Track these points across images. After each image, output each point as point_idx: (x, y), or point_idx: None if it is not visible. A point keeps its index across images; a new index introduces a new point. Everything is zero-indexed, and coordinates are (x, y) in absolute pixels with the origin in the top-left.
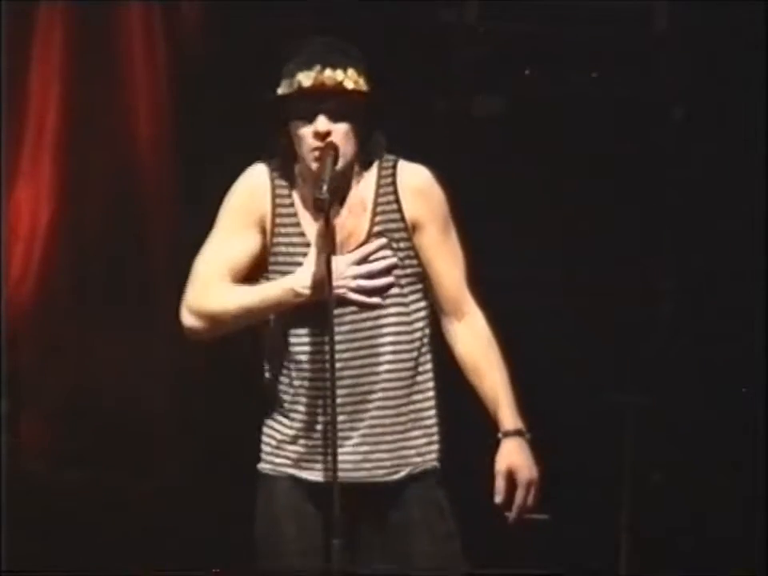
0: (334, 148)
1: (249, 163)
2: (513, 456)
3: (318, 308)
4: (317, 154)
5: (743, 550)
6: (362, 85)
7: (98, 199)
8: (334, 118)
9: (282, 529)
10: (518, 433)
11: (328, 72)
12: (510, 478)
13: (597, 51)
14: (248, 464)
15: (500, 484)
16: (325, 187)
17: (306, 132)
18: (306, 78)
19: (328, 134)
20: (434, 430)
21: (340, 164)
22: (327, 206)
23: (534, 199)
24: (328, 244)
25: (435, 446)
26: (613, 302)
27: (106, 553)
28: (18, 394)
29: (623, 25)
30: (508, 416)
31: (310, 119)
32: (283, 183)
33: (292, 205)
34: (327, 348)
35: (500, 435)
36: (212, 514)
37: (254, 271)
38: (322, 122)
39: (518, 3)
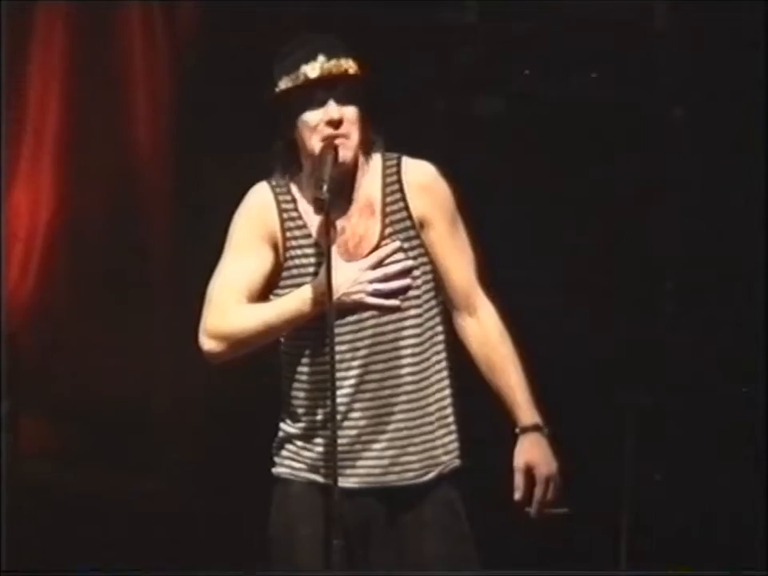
0: (333, 147)
1: (249, 164)
2: (531, 452)
3: (330, 316)
4: (333, 142)
5: (744, 549)
6: (357, 68)
7: (98, 200)
8: (342, 105)
9: (297, 529)
10: (535, 428)
11: (333, 61)
12: (529, 473)
13: (597, 51)
14: (249, 464)
15: (518, 480)
16: (325, 187)
17: (316, 122)
18: (311, 70)
19: (341, 121)
20: (455, 427)
21: (350, 153)
22: (327, 205)
23: (534, 199)
24: (328, 244)
25: (457, 444)
26: (613, 301)
27: (106, 553)
28: (18, 394)
29: (623, 25)
30: (525, 411)
31: (318, 109)
32: (287, 198)
33: (300, 217)
34: (341, 351)
35: (517, 431)
36: (212, 514)
37: (268, 289)
38: (334, 109)
39: (518, 3)
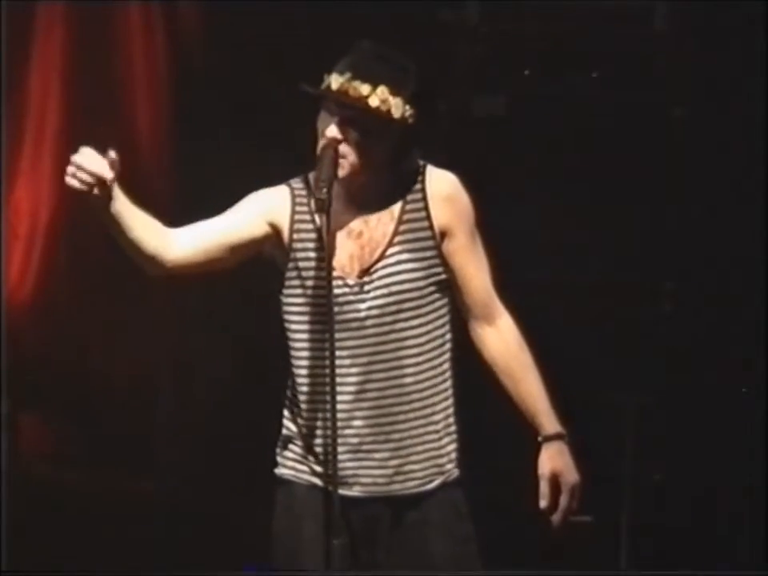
0: (334, 148)
1: (249, 164)
2: (556, 460)
3: (330, 319)
4: (334, 142)
5: (743, 549)
6: (393, 105)
7: None
8: (350, 128)
9: (302, 530)
10: (558, 436)
11: (356, 82)
12: (554, 482)
13: (597, 51)
14: (249, 464)
15: (544, 488)
16: (325, 188)
17: (322, 131)
18: (335, 82)
19: (338, 140)
20: (456, 436)
21: (346, 172)
22: (327, 206)
23: (533, 199)
24: (329, 245)
25: (457, 453)
26: (613, 301)
27: (106, 553)
28: (18, 394)
29: (623, 25)
30: (547, 419)
31: (330, 120)
32: (304, 200)
33: (311, 221)
34: (341, 357)
35: (540, 439)
36: (212, 514)
37: (232, 257)
38: (332, 129)
39: (518, 3)
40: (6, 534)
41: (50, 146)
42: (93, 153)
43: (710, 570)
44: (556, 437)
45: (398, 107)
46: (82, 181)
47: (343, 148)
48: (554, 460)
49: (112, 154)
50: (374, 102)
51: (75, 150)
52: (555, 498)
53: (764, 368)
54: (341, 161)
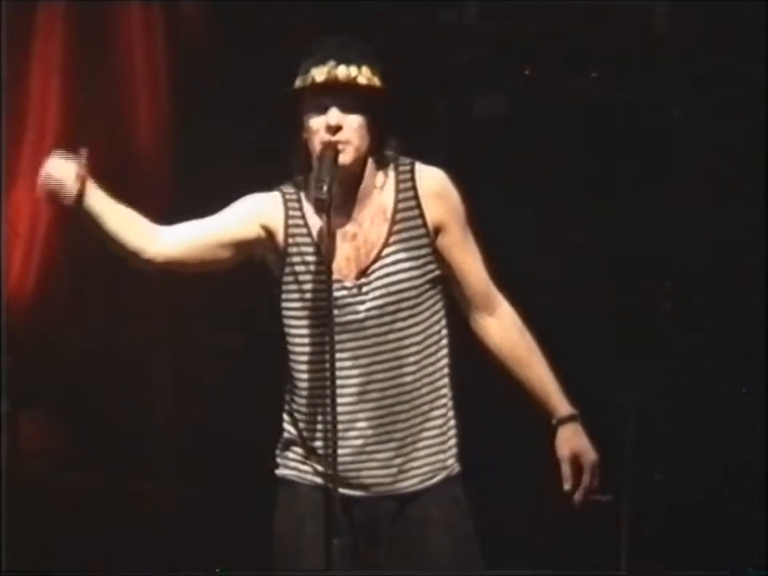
0: (334, 148)
1: (249, 162)
2: (573, 441)
3: (330, 322)
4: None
5: (744, 549)
6: (377, 82)
7: None
8: (347, 112)
9: (305, 529)
10: (572, 417)
11: (341, 68)
12: (575, 462)
13: (597, 51)
14: (249, 464)
15: (566, 470)
16: (325, 187)
17: (318, 126)
18: (319, 74)
19: (339, 127)
20: (456, 431)
21: (351, 158)
22: (328, 206)
23: (533, 199)
24: (329, 245)
25: (457, 448)
26: (613, 301)
27: (105, 553)
28: (18, 394)
29: (623, 25)
30: (559, 402)
31: (323, 113)
32: (296, 205)
33: (305, 225)
34: (341, 359)
35: (554, 422)
36: (212, 514)
37: (223, 256)
38: (333, 115)
39: (517, 3)
40: (6, 534)
41: (50, 146)
42: (59, 160)
43: (711, 570)
44: (570, 418)
45: (379, 81)
46: (47, 191)
47: (343, 135)
48: (571, 441)
49: (82, 152)
50: (362, 80)
51: (75, 150)
52: (577, 479)
53: (764, 367)
54: (344, 147)
